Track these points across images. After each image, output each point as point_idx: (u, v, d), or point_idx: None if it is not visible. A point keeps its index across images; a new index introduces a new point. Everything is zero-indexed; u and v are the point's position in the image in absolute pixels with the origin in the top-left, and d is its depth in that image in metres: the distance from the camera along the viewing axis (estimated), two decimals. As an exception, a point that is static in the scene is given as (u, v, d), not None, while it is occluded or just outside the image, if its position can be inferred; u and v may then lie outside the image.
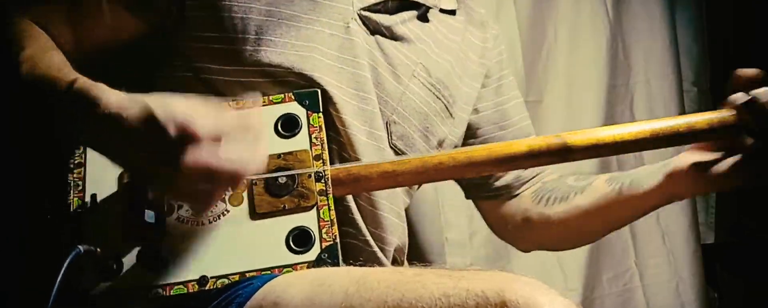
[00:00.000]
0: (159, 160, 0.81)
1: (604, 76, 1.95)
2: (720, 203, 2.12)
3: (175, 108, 0.80)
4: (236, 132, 0.83)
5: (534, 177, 1.26)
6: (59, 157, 1.00)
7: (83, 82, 0.86)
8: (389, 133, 1.09)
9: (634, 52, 1.99)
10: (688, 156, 1.04)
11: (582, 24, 1.94)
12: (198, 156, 0.80)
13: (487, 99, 1.27)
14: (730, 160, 0.99)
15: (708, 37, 2.09)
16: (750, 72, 0.98)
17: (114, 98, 0.83)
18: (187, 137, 0.79)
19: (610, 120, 1.95)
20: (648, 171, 1.10)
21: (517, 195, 1.25)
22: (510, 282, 0.78)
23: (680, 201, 1.98)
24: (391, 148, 1.10)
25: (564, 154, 0.99)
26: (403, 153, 1.11)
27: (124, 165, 0.89)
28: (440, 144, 1.19)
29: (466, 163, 0.99)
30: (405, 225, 1.14)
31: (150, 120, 0.80)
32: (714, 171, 1.00)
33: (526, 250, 1.33)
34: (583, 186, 1.17)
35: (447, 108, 1.18)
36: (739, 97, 0.97)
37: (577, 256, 1.87)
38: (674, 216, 1.99)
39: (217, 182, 0.84)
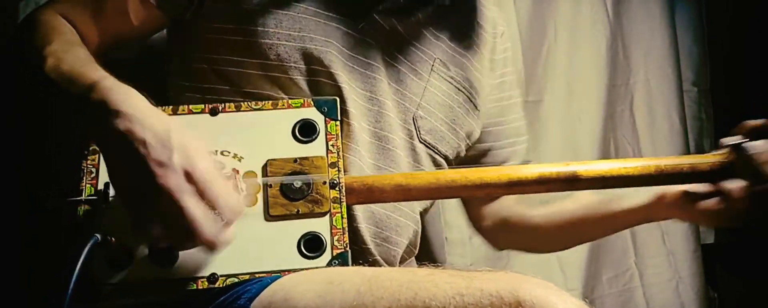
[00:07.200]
0: (150, 178, 0.79)
1: (604, 76, 1.95)
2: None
3: (194, 143, 0.82)
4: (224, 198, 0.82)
5: None
6: (64, 149, 0.99)
7: (110, 82, 0.85)
8: (417, 128, 1.10)
9: (634, 52, 2.00)
10: (679, 184, 1.07)
11: (582, 24, 1.94)
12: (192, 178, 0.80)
13: (491, 93, 1.27)
14: (717, 199, 1.02)
15: (708, 38, 2.10)
16: (755, 122, 1.01)
17: (142, 105, 0.83)
18: (188, 169, 0.80)
19: (610, 119, 1.95)
20: (632, 192, 1.11)
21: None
22: (523, 283, 0.79)
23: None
24: (420, 142, 1.11)
25: (572, 182, 1.02)
26: (434, 146, 1.13)
27: (116, 173, 0.84)
28: (468, 136, 1.20)
29: (477, 183, 1.01)
30: (418, 228, 1.14)
31: (164, 138, 0.80)
32: (701, 205, 1.04)
33: (499, 249, 1.35)
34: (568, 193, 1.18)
35: (470, 99, 1.19)
36: (731, 139, 1.01)
37: (577, 256, 1.88)
38: (674, 217, 1.99)
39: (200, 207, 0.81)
